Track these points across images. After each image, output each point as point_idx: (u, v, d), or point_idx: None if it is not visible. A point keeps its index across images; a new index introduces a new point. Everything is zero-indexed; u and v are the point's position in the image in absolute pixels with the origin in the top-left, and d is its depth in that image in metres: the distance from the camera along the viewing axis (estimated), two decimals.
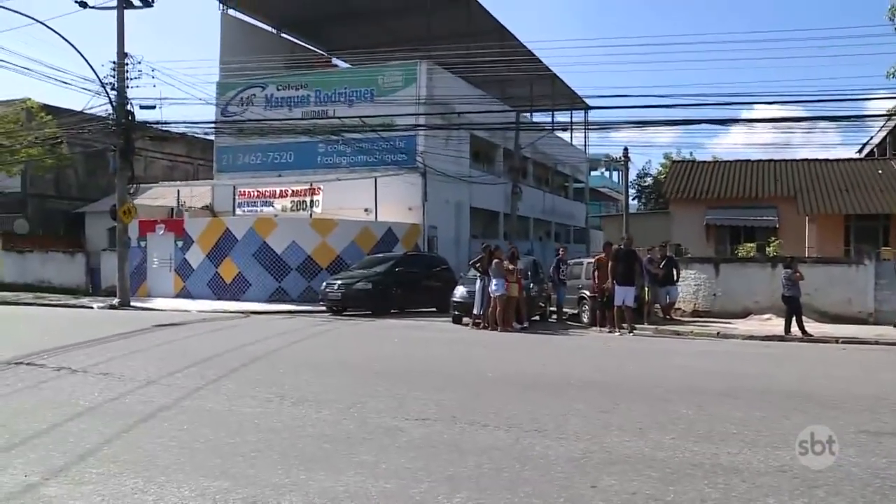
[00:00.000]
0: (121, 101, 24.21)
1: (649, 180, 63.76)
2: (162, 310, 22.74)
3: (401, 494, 5.09)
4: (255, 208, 28.77)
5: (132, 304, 24.22)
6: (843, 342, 15.64)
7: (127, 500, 4.97)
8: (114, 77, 24.19)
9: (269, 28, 38.53)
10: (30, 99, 33.65)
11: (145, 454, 6.10)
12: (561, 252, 22.22)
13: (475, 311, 18.23)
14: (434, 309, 22.47)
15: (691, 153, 56.03)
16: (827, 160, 32.28)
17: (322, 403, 8.11)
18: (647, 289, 19.25)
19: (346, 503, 4.90)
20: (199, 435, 6.74)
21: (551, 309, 21.29)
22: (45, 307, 24.62)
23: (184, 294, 26.79)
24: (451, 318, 19.63)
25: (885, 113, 31.64)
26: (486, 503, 4.93)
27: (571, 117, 45.60)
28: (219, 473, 5.55)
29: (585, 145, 48.90)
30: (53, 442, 6.51)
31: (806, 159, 32.66)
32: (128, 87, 24.35)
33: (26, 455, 6.06)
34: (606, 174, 70.73)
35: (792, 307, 16.87)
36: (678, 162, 39.45)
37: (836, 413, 7.93)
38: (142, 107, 24.76)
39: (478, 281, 18.19)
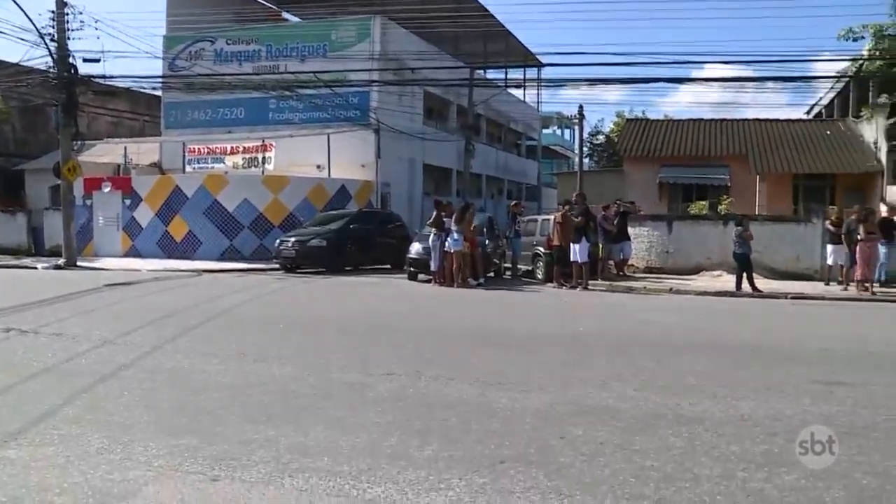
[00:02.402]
0: (61, 54, 23.36)
1: (602, 138, 63.98)
2: (111, 269, 22.26)
3: (371, 448, 5.08)
4: (205, 165, 28.25)
5: (79, 263, 23.68)
6: (792, 298, 16.01)
7: (93, 461, 4.86)
8: (53, 28, 23.30)
9: None
10: None
11: (108, 414, 5.98)
12: (514, 207, 22.33)
13: (432, 268, 18.23)
14: (389, 266, 22.42)
15: (643, 112, 56.29)
16: (777, 120, 32.70)
17: (285, 360, 8.05)
18: (601, 245, 19.44)
19: (318, 458, 4.87)
20: (161, 394, 6.64)
21: (506, 265, 21.38)
22: None
23: (132, 253, 26.25)
24: (406, 275, 19.60)
25: (833, 75, 32.21)
26: (457, 455, 4.94)
27: (525, 74, 45.42)
28: (185, 431, 5.47)
29: (538, 103, 48.87)
30: (8, 404, 6.36)
31: (757, 119, 33.06)
32: (69, 38, 23.44)
33: None
34: (559, 132, 70.83)
35: (742, 264, 17.17)
36: (632, 120, 39.59)
37: (790, 365, 8.13)
38: (85, 60, 23.95)
39: (432, 237, 18.15)
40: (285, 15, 39.53)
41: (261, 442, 5.20)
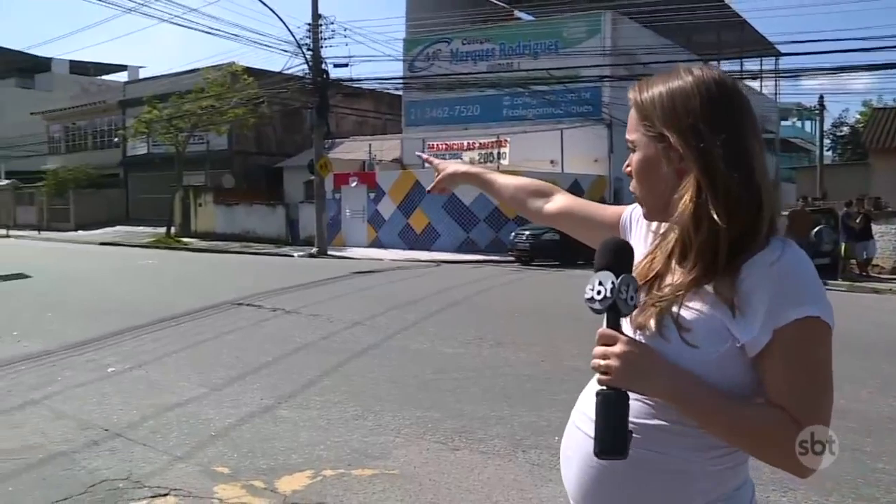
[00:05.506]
0: (316, 61, 25.54)
1: (846, 130, 59.39)
2: (357, 258, 24.01)
3: None
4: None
5: (329, 252, 25.75)
6: None
7: (350, 425, 5.57)
8: (309, 38, 25.54)
9: None
10: (234, 63, 35.93)
11: (359, 386, 6.74)
12: None
13: None
14: None
15: (895, 100, 51.72)
16: None
17: (519, 346, 8.52)
18: (843, 244, 18.33)
19: (550, 437, 5.23)
20: (406, 371, 7.31)
21: None
22: (252, 255, 26.64)
23: (376, 244, 28.04)
24: None
25: None
26: None
27: (761, 65, 43.12)
28: (428, 406, 6.05)
29: (776, 94, 46.33)
30: (279, 372, 7.30)
31: None
32: (322, 46, 25.68)
33: (258, 382, 6.86)
34: (798, 124, 66.56)
35: None
36: (879, 109, 36.49)
37: None
38: (335, 65, 26.12)
39: None
40: (518, 14, 40.30)
41: (496, 419, 5.67)
